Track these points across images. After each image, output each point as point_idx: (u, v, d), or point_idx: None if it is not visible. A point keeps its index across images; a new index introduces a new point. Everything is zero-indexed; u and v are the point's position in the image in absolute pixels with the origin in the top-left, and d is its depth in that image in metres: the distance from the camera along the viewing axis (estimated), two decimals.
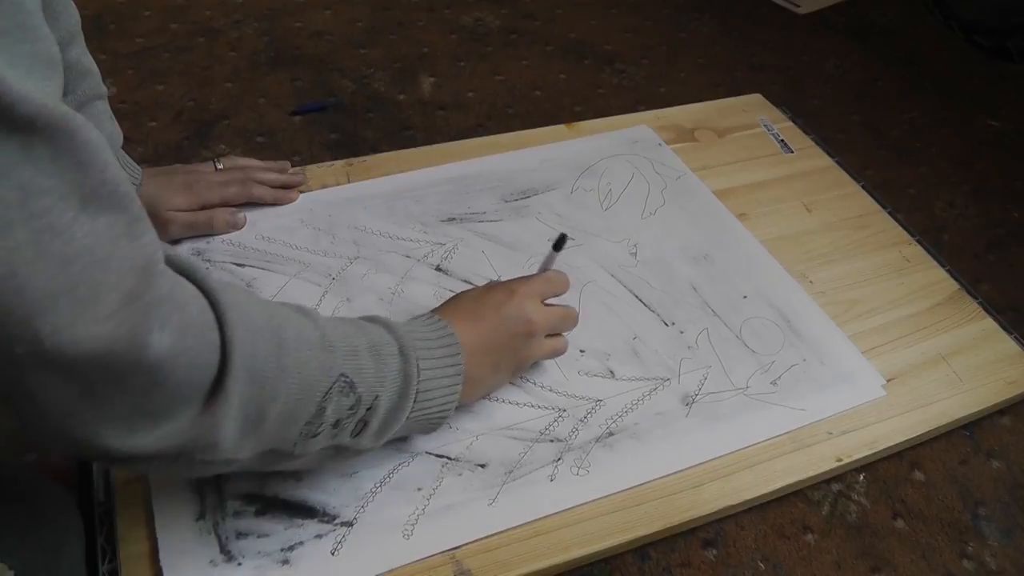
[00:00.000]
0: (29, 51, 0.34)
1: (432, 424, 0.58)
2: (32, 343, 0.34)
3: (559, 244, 0.64)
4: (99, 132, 0.36)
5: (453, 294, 0.65)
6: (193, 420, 0.41)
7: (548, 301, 0.65)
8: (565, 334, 0.67)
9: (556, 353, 0.67)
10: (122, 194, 0.37)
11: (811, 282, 0.82)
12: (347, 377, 0.48)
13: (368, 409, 0.50)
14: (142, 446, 0.40)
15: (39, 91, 0.33)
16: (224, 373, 0.41)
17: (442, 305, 0.63)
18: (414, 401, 0.53)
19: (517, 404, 0.67)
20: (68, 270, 0.34)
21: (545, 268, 0.67)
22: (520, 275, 0.77)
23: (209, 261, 0.75)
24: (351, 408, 0.49)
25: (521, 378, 0.69)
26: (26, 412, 0.37)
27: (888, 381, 0.73)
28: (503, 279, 0.66)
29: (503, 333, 0.61)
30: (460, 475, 0.62)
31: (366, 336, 0.51)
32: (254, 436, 0.45)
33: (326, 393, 0.47)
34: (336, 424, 0.49)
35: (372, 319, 0.55)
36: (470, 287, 0.68)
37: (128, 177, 0.38)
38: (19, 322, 0.33)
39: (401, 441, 0.63)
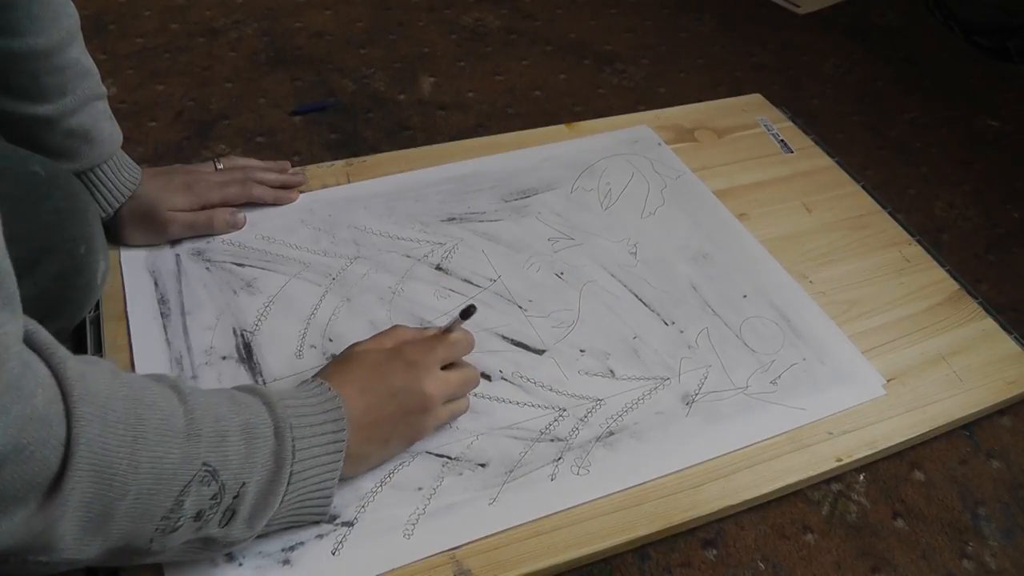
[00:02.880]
0: None
1: (314, 509, 0.54)
2: None
3: (467, 314, 0.62)
4: None
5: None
6: (24, 521, 0.38)
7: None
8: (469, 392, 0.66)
9: (455, 416, 0.64)
10: None
11: (811, 282, 0.82)
12: (209, 466, 0.45)
13: (235, 497, 0.47)
14: None
15: None
16: (65, 471, 0.38)
17: (335, 364, 0.59)
18: (288, 483, 0.50)
19: (517, 404, 0.67)
20: None
21: (449, 329, 0.64)
22: (515, 276, 0.77)
23: (209, 261, 0.75)
24: (213, 498, 0.46)
25: (521, 378, 0.69)
26: None
27: (888, 381, 0.73)
28: (405, 325, 0.64)
29: (396, 408, 0.58)
30: (460, 475, 0.62)
31: (239, 416, 0.48)
32: (99, 535, 0.42)
33: (185, 486, 0.44)
34: (198, 516, 0.45)
35: (252, 391, 0.52)
36: (366, 336, 0.63)
37: (5, 258, 0.36)
38: None
39: None
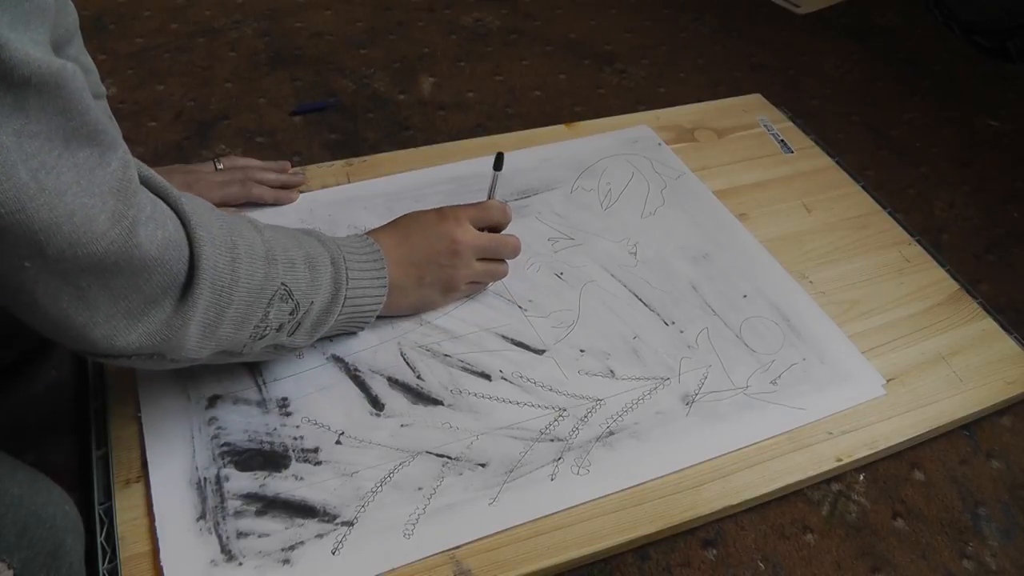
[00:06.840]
0: (27, 8, 0.37)
1: (358, 324, 0.67)
2: (40, 259, 0.40)
3: (498, 163, 0.70)
4: (81, 77, 0.40)
5: None
6: (165, 322, 0.48)
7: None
8: (510, 261, 0.74)
9: (492, 275, 0.73)
10: (98, 131, 0.41)
11: (811, 282, 0.82)
12: (286, 286, 0.55)
13: (304, 313, 0.57)
14: (123, 344, 0.47)
15: (35, 47, 0.37)
16: (192, 282, 0.48)
17: (378, 228, 0.70)
18: (343, 305, 0.61)
19: (517, 404, 0.67)
20: (64, 199, 0.39)
21: (490, 194, 0.72)
22: (515, 276, 0.77)
23: None
24: (291, 313, 0.56)
25: (521, 377, 0.69)
26: (28, 312, 0.44)
27: (888, 381, 0.73)
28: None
29: (427, 249, 0.68)
30: (461, 475, 0.62)
31: (302, 249, 0.58)
32: (212, 339, 0.52)
33: (270, 300, 0.54)
34: (279, 328, 0.56)
35: (307, 232, 0.61)
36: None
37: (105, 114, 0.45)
38: (29, 245, 0.39)
39: (401, 440, 0.63)
